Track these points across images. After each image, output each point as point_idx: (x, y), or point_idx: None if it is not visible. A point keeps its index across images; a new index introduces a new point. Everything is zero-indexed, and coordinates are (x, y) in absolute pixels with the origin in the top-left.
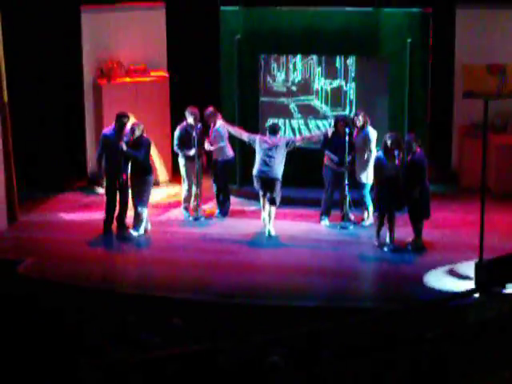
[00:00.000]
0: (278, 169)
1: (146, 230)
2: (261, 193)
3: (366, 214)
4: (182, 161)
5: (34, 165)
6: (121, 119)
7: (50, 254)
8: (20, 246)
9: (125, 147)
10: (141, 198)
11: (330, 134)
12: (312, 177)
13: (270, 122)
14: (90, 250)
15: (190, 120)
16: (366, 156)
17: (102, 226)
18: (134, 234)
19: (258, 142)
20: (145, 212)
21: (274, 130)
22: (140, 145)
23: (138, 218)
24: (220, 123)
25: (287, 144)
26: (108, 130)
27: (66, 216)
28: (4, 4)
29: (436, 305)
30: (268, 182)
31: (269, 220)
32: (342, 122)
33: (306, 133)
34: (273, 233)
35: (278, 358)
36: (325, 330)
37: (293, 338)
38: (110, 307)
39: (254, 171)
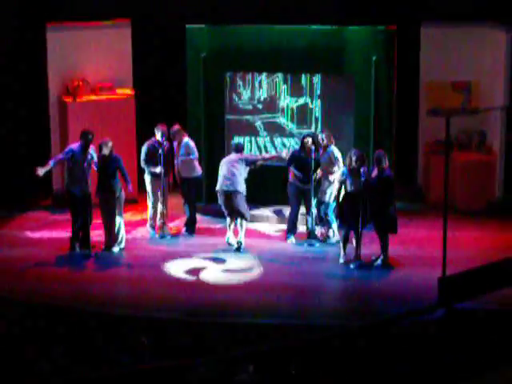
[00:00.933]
0: (238, 182)
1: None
2: (225, 211)
3: (331, 232)
4: (147, 178)
5: None
6: (86, 136)
7: (16, 272)
8: None
9: (131, 188)
10: (117, 215)
11: (285, 156)
12: (278, 194)
13: (236, 140)
14: (55, 269)
15: (158, 136)
16: (330, 175)
17: (69, 243)
18: (115, 250)
19: (222, 162)
20: (122, 228)
21: (237, 149)
22: (112, 162)
23: (116, 235)
24: (187, 139)
25: (247, 162)
26: (74, 146)
27: (31, 234)
28: None
29: (393, 322)
30: (229, 195)
31: (240, 230)
32: (308, 140)
33: (272, 151)
34: (243, 243)
35: (247, 376)
36: (292, 348)
37: (260, 356)
38: (77, 326)
39: (217, 186)
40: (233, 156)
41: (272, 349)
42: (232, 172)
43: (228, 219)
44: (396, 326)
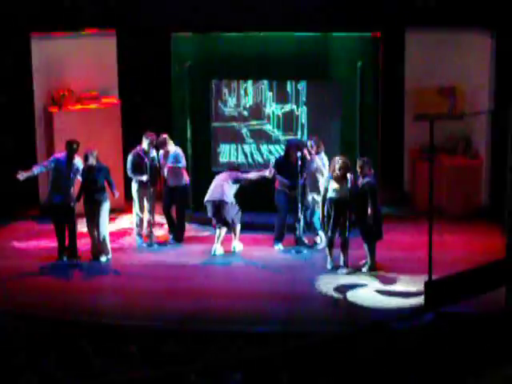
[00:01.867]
0: (225, 194)
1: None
2: (215, 222)
3: (318, 238)
4: (134, 186)
5: None
6: (71, 146)
7: (3, 282)
8: None
9: (117, 194)
10: (103, 225)
11: (269, 174)
12: (264, 201)
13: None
14: (43, 279)
15: (145, 145)
16: (317, 182)
17: (56, 253)
18: (103, 259)
19: (214, 178)
20: (108, 237)
21: (230, 167)
22: (99, 172)
23: (103, 244)
24: (176, 148)
25: (235, 179)
26: (60, 155)
27: (18, 245)
28: None
29: (381, 326)
30: (217, 205)
31: (234, 236)
32: (294, 147)
33: (258, 158)
34: (237, 249)
35: None
36: (280, 355)
37: (249, 364)
38: (65, 336)
39: (205, 198)
40: (224, 173)
41: (260, 357)
42: (220, 184)
43: (217, 230)
44: (384, 331)
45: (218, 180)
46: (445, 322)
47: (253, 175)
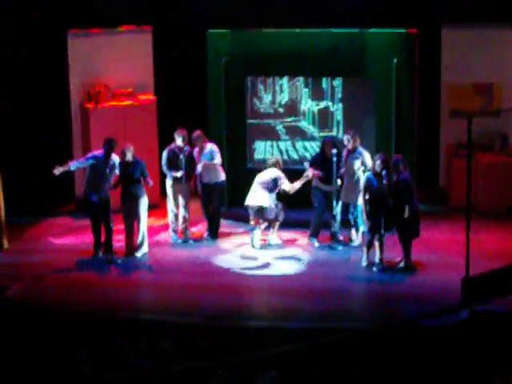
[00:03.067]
0: (263, 198)
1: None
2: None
3: (354, 235)
4: (169, 182)
5: (22, 190)
6: (109, 143)
7: (39, 278)
8: (8, 272)
9: (151, 182)
10: (142, 220)
11: (310, 175)
12: (300, 198)
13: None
14: (79, 274)
15: (179, 142)
16: (356, 177)
17: (93, 249)
18: (138, 255)
19: (256, 177)
20: (145, 233)
21: (270, 166)
22: (136, 167)
23: (139, 240)
24: (211, 145)
25: (275, 180)
26: (98, 152)
27: (54, 240)
28: None
29: (415, 324)
30: (256, 210)
31: (272, 231)
32: (329, 143)
33: (293, 155)
34: (273, 242)
35: (269, 381)
36: (314, 350)
37: (282, 359)
38: (100, 331)
39: (246, 200)
40: (267, 172)
41: (294, 352)
42: (259, 189)
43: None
44: (418, 327)
45: (257, 183)
46: (479, 320)
47: (289, 187)
